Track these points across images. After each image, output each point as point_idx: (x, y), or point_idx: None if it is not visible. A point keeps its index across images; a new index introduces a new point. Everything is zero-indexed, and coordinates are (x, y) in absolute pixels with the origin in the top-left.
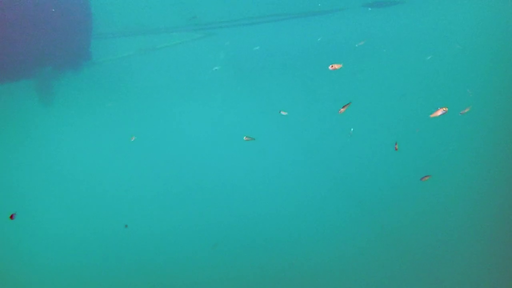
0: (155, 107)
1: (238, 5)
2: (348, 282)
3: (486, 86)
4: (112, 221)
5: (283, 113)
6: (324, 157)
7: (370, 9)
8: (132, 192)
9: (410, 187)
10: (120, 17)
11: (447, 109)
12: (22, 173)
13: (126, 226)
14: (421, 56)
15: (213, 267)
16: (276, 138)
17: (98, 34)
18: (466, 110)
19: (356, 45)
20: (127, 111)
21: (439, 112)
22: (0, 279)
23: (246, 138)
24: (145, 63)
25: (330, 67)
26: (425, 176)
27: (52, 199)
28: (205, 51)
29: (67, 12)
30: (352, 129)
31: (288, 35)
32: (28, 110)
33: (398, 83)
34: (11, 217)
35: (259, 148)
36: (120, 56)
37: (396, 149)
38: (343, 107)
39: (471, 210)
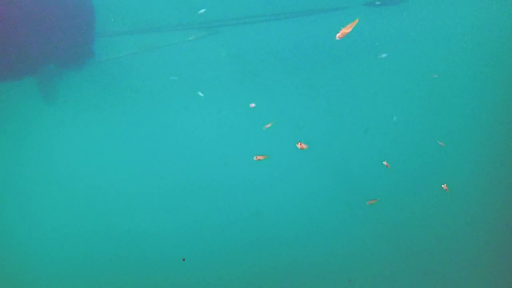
0: (159, 105)
1: (241, 3)
2: (349, 282)
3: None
4: (114, 220)
5: (268, 125)
6: (325, 157)
7: (378, 2)
8: (135, 191)
9: (410, 188)
10: (124, 15)
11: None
12: (25, 172)
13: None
14: (422, 59)
15: (214, 267)
16: (277, 138)
17: (101, 31)
18: None
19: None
20: (130, 110)
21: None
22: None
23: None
24: (149, 61)
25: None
26: (372, 200)
27: (55, 198)
28: (208, 50)
29: (70, 10)
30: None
31: (289, 33)
32: (30, 108)
33: (399, 81)
34: None
35: (261, 147)
36: (123, 54)
37: (387, 166)
38: (258, 156)
39: (472, 210)
